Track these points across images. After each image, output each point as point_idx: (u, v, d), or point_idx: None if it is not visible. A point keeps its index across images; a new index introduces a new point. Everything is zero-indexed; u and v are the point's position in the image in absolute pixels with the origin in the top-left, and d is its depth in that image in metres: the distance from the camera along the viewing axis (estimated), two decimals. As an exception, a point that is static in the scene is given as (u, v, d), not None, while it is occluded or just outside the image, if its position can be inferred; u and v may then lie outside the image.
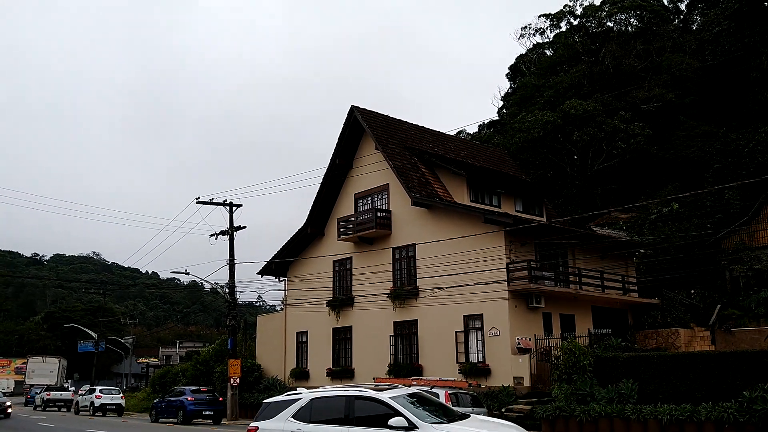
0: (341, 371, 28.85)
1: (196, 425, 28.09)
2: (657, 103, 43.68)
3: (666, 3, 55.00)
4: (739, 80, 43.08)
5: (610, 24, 51.11)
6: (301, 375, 31.04)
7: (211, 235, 33.35)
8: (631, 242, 30.54)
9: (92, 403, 37.80)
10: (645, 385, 19.26)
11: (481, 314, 23.72)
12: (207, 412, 29.01)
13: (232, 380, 30.28)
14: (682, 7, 56.48)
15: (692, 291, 30.07)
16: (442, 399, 18.05)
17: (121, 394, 40.98)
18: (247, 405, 31.09)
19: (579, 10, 55.22)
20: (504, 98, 62.09)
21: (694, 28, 52.64)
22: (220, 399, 30.34)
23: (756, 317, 27.07)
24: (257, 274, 33.42)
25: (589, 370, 20.52)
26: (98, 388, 40.89)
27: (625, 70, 46.63)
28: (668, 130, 43.72)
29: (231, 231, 32.96)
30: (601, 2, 52.42)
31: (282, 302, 34.39)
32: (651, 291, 28.96)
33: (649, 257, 31.51)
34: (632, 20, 50.44)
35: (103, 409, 37.75)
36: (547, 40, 58.46)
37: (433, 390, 18.70)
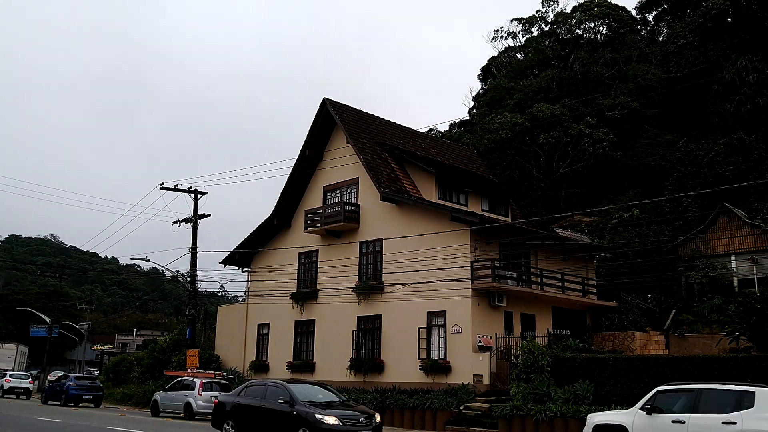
0: (302, 365, 28.81)
1: (82, 407, 31.31)
2: (622, 111, 44.65)
3: (634, 14, 56.22)
4: (702, 92, 44.29)
5: (579, 31, 52.06)
6: (260, 368, 30.88)
7: (174, 222, 33.11)
8: (592, 245, 31.21)
9: (2, 386, 42.37)
10: (600, 386, 19.73)
11: (445, 311, 23.95)
12: (87, 397, 33.11)
13: (189, 370, 30.03)
14: (650, 18, 57.83)
15: (649, 296, 30.88)
16: (197, 387, 25.21)
17: (30, 379, 45.26)
18: (205, 396, 30.82)
19: (550, 16, 56.11)
20: (475, 99, 62.69)
21: (660, 39, 53.93)
22: (101, 386, 35.10)
23: (709, 323, 27.94)
24: (220, 263, 33.15)
25: (547, 370, 20.92)
26: (9, 372, 45.58)
27: (592, 77, 47.55)
28: (632, 137, 44.75)
29: (195, 219, 32.66)
30: (572, 10, 53.38)
31: (244, 293, 34.15)
32: (609, 294, 29.65)
33: (609, 261, 32.24)
34: (601, 29, 51.48)
35: (12, 391, 42.34)
36: (519, 43, 59.24)
37: (195, 380, 25.54)
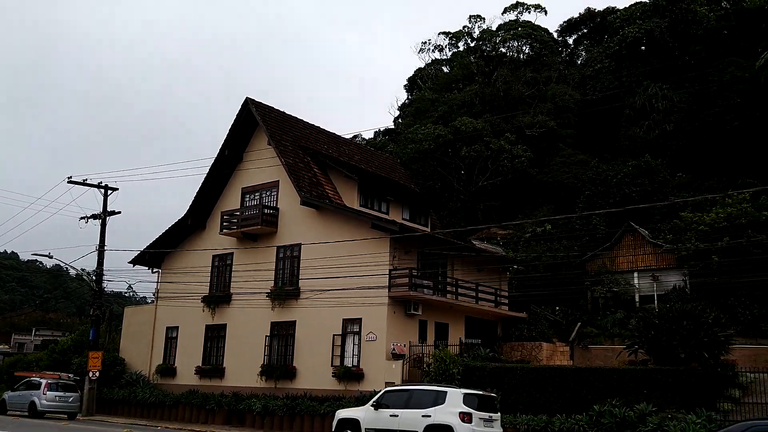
0: (211, 370, 28.04)
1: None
2: (540, 129, 46.22)
3: (555, 36, 58.45)
4: (615, 116, 46.50)
5: (503, 49, 53.62)
6: (167, 372, 29.87)
7: (82, 218, 31.64)
8: (506, 258, 32.02)
9: None
10: (508, 395, 20.18)
11: (360, 319, 23.88)
12: None
13: (90, 373, 28.78)
14: (570, 41, 60.28)
15: (557, 308, 31.95)
16: (42, 387, 26.99)
17: None
18: (106, 400, 29.63)
19: (476, 33, 57.56)
20: (400, 108, 63.39)
21: (579, 62, 56.36)
22: None
23: (611, 336, 29.20)
24: (129, 263, 31.95)
25: (458, 378, 21.22)
26: None
27: (514, 94, 49.02)
28: (548, 155, 46.38)
29: (104, 215, 31.35)
30: (497, 28, 54.93)
31: (154, 294, 33.00)
32: (520, 305, 30.46)
33: (521, 273, 33.18)
34: (524, 48, 53.22)
35: None
36: (445, 57, 60.43)
37: (41, 380, 27.42)
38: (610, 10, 55.32)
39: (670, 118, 43.09)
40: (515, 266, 32.62)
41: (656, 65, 45.51)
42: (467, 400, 16.17)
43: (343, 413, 18.32)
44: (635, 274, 32.99)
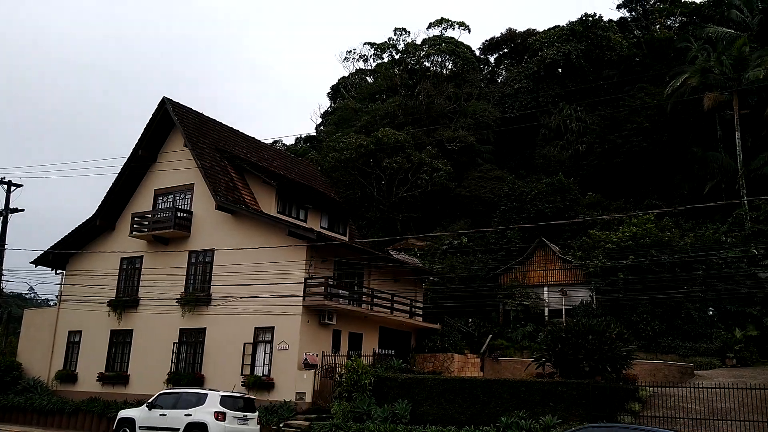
0: (115, 377, 26.89)
1: None
2: (460, 144, 47.11)
3: (478, 54, 59.92)
4: (531, 134, 48.05)
5: (427, 64, 54.43)
6: (67, 378, 28.43)
7: (-20, 215, 29.75)
8: (423, 269, 32.37)
9: None
10: (418, 405, 20.34)
11: (273, 327, 23.51)
12: None
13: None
14: (491, 59, 61.97)
15: (470, 320, 32.52)
16: None
17: None
18: (0, 407, 27.80)
19: (401, 45, 58.16)
20: (323, 116, 63.13)
21: (499, 81, 57.92)
22: None
23: (521, 349, 29.97)
24: (31, 263, 30.34)
25: (369, 389, 21.20)
26: None
27: (436, 108, 49.79)
28: (466, 169, 47.35)
29: (6, 212, 29.80)
30: (422, 42, 55.70)
31: (57, 297, 31.38)
32: (435, 317, 30.83)
33: (437, 285, 33.61)
34: (447, 64, 54.21)
35: None
36: (370, 67, 60.70)
37: None
38: (531, 32, 57.29)
39: (583, 139, 44.92)
40: (431, 278, 33.01)
41: (572, 88, 47.41)
42: (224, 401, 18.78)
43: (123, 413, 20.68)
44: (545, 289, 34.05)
